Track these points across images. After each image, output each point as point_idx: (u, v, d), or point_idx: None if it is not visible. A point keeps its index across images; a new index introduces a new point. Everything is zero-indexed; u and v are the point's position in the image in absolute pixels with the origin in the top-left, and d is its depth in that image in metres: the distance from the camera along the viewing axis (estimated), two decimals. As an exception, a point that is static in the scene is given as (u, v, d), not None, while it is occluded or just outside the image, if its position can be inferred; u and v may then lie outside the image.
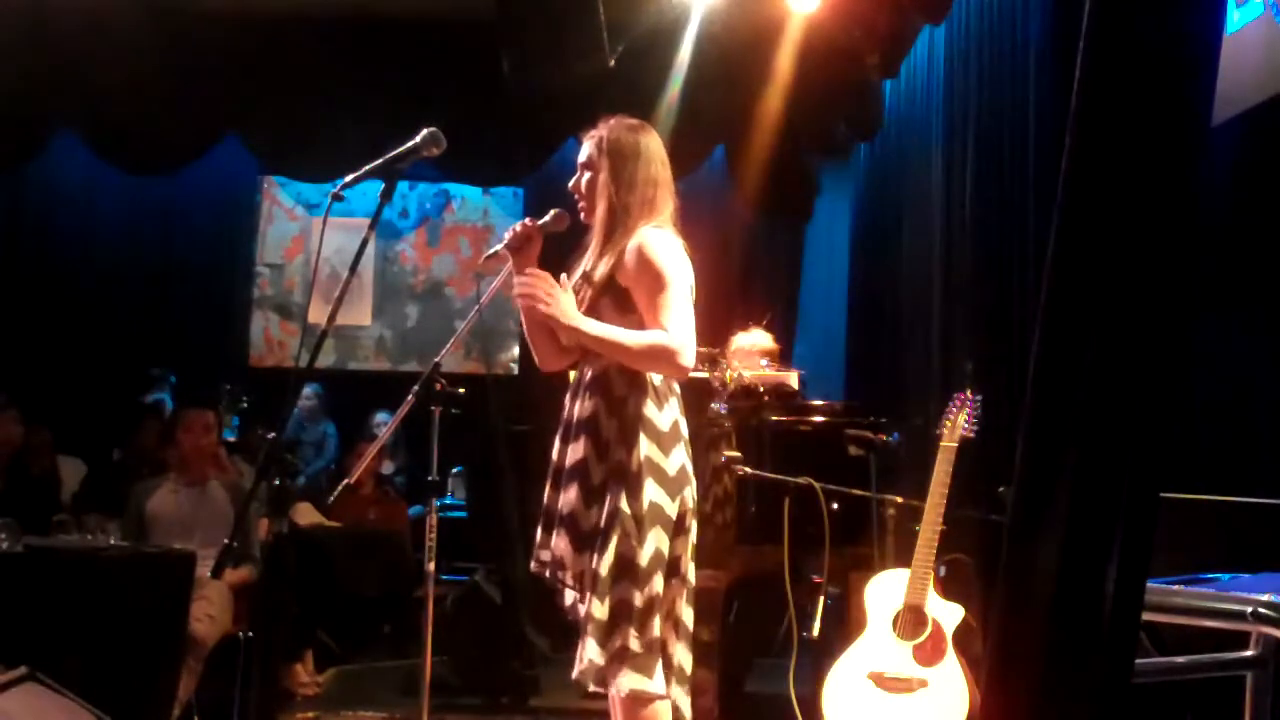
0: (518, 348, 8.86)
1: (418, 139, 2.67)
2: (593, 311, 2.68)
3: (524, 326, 2.89)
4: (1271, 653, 1.95)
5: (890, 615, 3.41)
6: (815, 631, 3.72)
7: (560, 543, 2.66)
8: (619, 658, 2.56)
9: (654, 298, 2.62)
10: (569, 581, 2.70)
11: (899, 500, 3.71)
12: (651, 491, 2.59)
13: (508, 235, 2.82)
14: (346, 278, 2.57)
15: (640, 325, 2.64)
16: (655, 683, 2.56)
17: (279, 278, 9.15)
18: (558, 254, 2.90)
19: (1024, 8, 4.94)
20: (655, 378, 2.67)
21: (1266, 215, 3.51)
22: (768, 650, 4.34)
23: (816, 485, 3.58)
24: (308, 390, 7.63)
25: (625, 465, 2.60)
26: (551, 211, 2.84)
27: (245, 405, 7.63)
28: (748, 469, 3.64)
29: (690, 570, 2.71)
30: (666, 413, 2.67)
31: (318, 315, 7.13)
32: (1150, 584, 1.42)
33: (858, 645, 3.43)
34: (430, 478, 3.04)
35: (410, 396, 2.94)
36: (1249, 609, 1.61)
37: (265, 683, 4.22)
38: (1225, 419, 3.67)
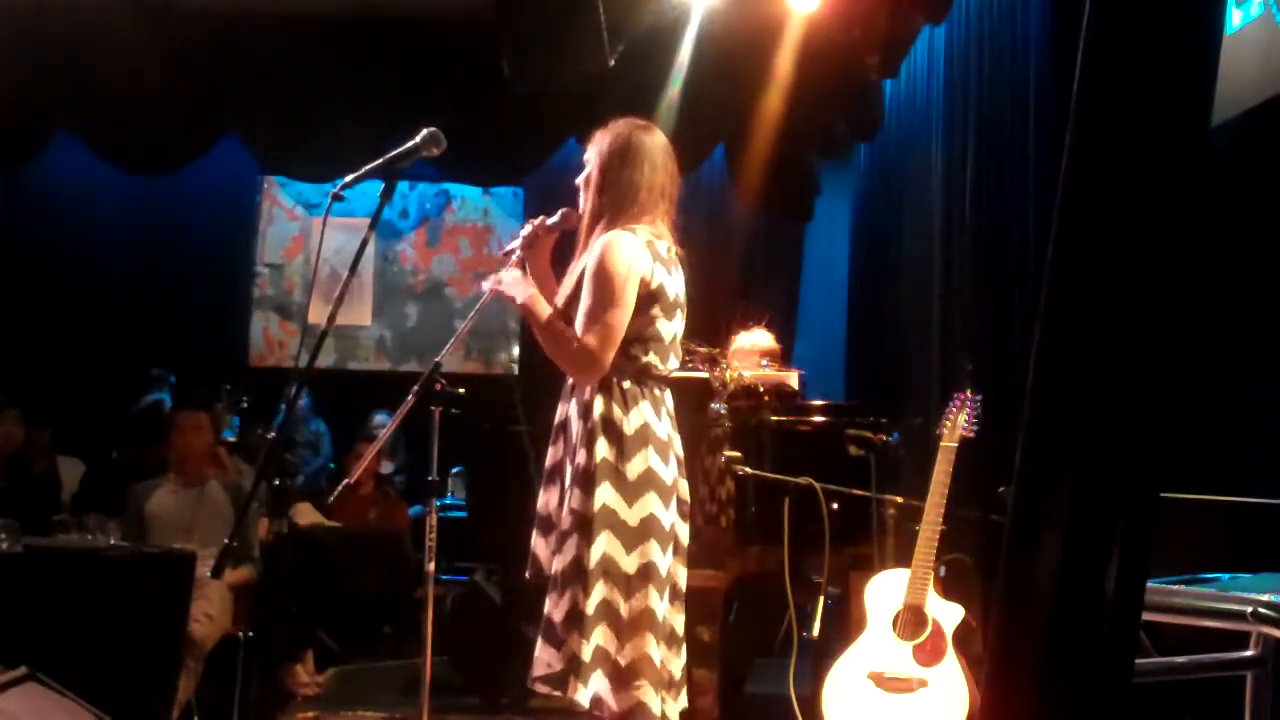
0: (518, 348, 8.87)
1: (418, 139, 2.67)
2: (569, 309, 2.75)
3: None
4: (1271, 653, 1.95)
5: (890, 615, 3.41)
6: (815, 631, 3.72)
7: (539, 543, 2.74)
8: (572, 664, 2.56)
9: (586, 301, 2.67)
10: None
11: (899, 500, 3.71)
12: (604, 494, 2.59)
13: (521, 236, 2.88)
14: (346, 278, 2.58)
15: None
16: (584, 694, 2.53)
17: (279, 278, 9.15)
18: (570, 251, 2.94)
19: (1024, 8, 4.94)
20: (624, 381, 2.69)
21: (1266, 215, 3.51)
22: (768, 650, 4.34)
23: (816, 485, 3.58)
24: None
25: (583, 466, 2.63)
26: (560, 211, 2.89)
27: (245, 405, 7.63)
28: (748, 469, 3.64)
29: (673, 575, 2.69)
30: (633, 417, 2.66)
31: (318, 315, 7.13)
32: (1150, 584, 1.42)
33: (858, 645, 3.43)
34: (430, 478, 3.04)
35: (410, 396, 2.95)
36: (1249, 609, 1.61)
37: (265, 683, 4.23)
38: (1225, 419, 3.67)
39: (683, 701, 2.73)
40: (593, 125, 2.87)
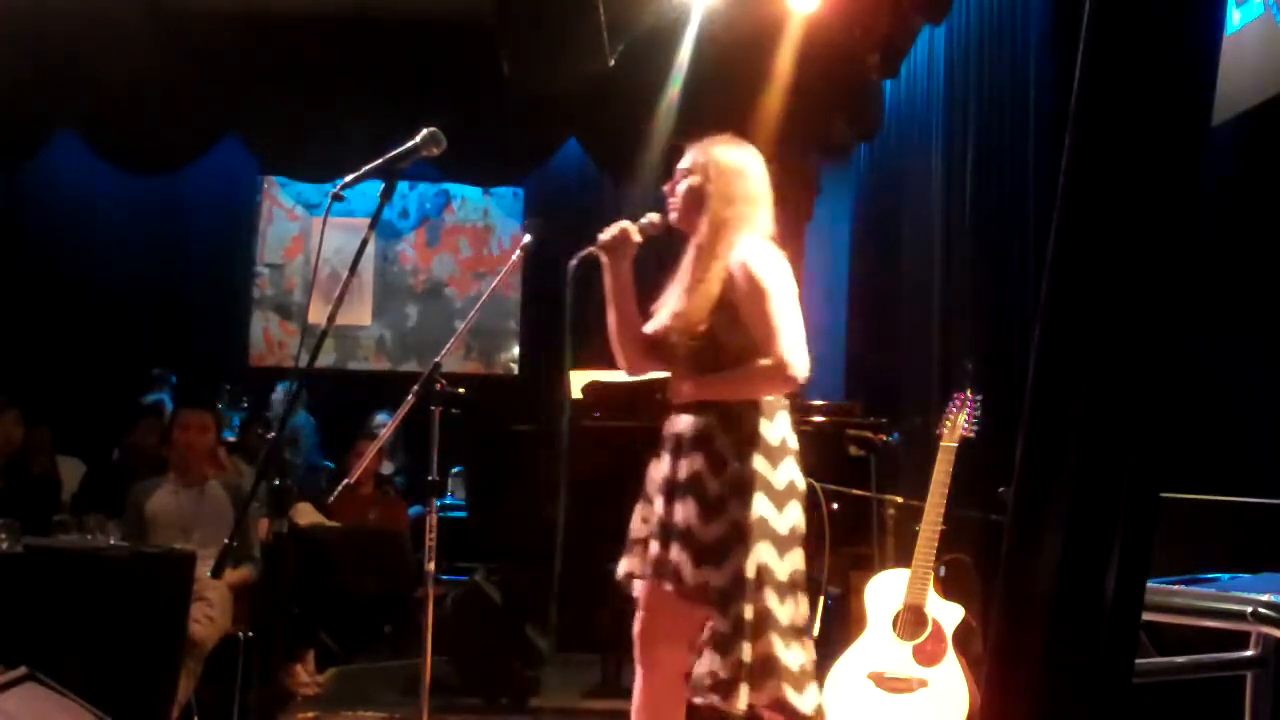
0: (518, 348, 8.86)
1: (418, 139, 2.67)
2: (709, 330, 2.68)
3: (611, 334, 2.90)
4: (1271, 653, 1.94)
5: (890, 615, 3.41)
6: (815, 631, 3.72)
7: (680, 556, 2.65)
8: (738, 672, 2.55)
9: (758, 314, 2.65)
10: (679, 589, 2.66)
11: (899, 500, 3.72)
12: (760, 505, 2.60)
13: (604, 235, 2.82)
14: (346, 278, 2.58)
15: (751, 341, 2.66)
16: (743, 699, 2.54)
17: (279, 278, 9.16)
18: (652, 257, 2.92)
19: (1024, 8, 4.94)
20: None
21: (1266, 215, 3.51)
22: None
23: (817, 485, 3.58)
24: (285, 388, 7.65)
25: (738, 478, 2.62)
26: (649, 215, 2.85)
27: (245, 405, 7.63)
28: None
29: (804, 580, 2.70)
30: (776, 426, 2.69)
31: (318, 315, 7.12)
32: (1150, 584, 1.42)
33: (858, 645, 3.43)
34: (430, 478, 3.04)
35: (410, 396, 2.95)
36: (1249, 609, 1.61)
37: (265, 683, 4.22)
38: (1225, 419, 3.67)
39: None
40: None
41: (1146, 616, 1.35)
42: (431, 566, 3.00)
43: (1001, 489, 3.84)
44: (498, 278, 3.79)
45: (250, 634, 4.18)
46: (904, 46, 6.19)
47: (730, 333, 2.68)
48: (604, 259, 2.83)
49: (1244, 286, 3.60)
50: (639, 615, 2.80)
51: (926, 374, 5.70)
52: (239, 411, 7.62)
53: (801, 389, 4.13)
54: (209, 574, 3.76)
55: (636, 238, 2.82)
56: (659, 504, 2.73)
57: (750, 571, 2.57)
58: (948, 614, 3.40)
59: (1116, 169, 1.25)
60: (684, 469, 2.69)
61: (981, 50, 5.33)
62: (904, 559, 3.52)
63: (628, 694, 2.88)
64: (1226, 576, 1.92)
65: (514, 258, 3.32)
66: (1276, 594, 1.62)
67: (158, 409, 7.25)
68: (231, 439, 6.80)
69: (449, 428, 3.01)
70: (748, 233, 2.74)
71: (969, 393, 3.61)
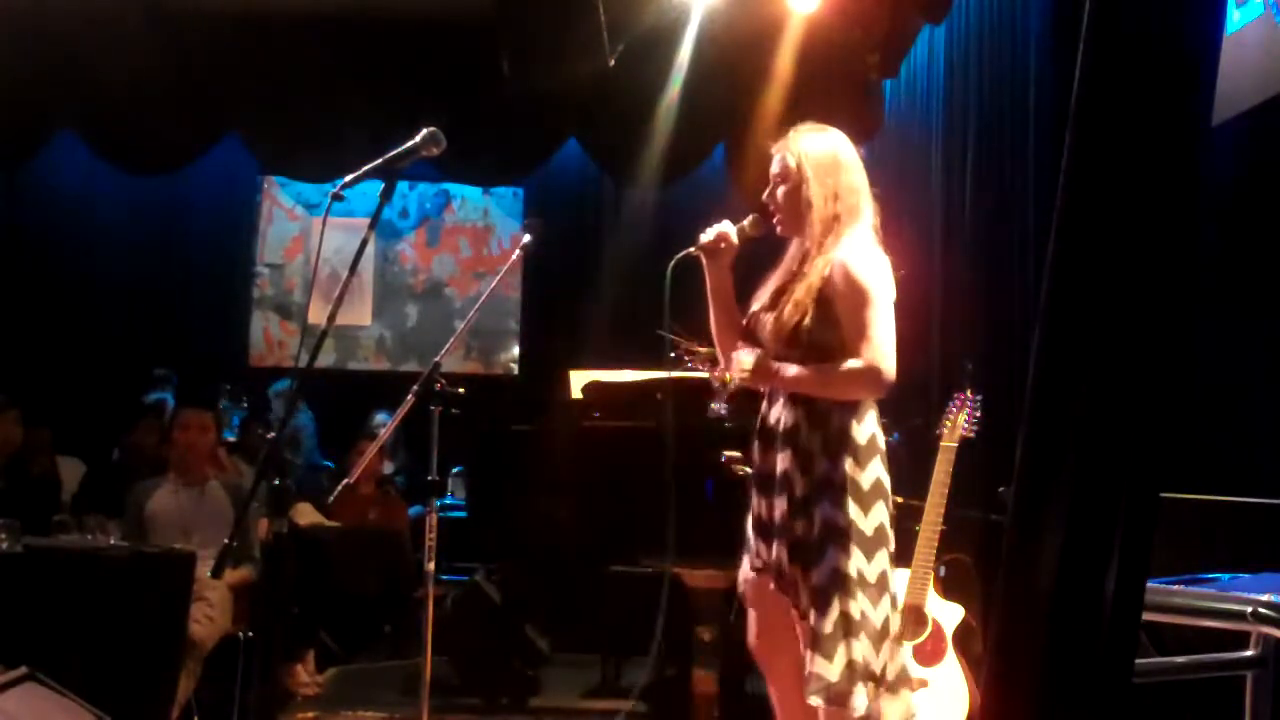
0: (517, 348, 8.86)
1: (417, 139, 2.67)
2: (803, 323, 2.65)
3: (713, 331, 2.90)
4: (1271, 653, 1.94)
5: (890, 615, 3.40)
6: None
7: (781, 551, 2.64)
8: (848, 673, 2.51)
9: (854, 316, 2.61)
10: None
11: (899, 500, 3.70)
12: (851, 506, 2.56)
13: (705, 237, 2.79)
14: (346, 278, 2.58)
15: (843, 340, 2.62)
16: (860, 702, 2.50)
17: (279, 278, 9.15)
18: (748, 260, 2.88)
19: (1024, 7, 4.95)
20: None
21: (1266, 215, 3.51)
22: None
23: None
24: (280, 387, 7.64)
25: (829, 479, 2.58)
26: (750, 216, 2.82)
27: (245, 405, 7.63)
28: (748, 469, 3.63)
29: (893, 582, 2.66)
30: (865, 426, 2.63)
31: (318, 315, 7.12)
32: (1150, 584, 1.42)
33: (858, 645, 3.42)
34: (430, 478, 3.04)
35: (410, 396, 2.95)
36: (1249, 609, 1.61)
37: (265, 683, 4.22)
38: (1225, 419, 3.67)
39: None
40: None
41: (1146, 616, 1.35)
42: (431, 566, 3.00)
43: (1001, 489, 3.84)
44: (498, 277, 3.81)
45: (250, 634, 4.18)
46: (904, 46, 6.19)
47: (822, 329, 2.64)
48: (703, 260, 2.81)
49: (1244, 286, 3.60)
50: (752, 619, 2.74)
51: (926, 374, 5.70)
52: (239, 411, 7.62)
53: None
54: (209, 574, 3.76)
55: (735, 240, 2.80)
56: (756, 498, 2.71)
57: (851, 571, 2.53)
58: (948, 614, 3.40)
59: (1116, 169, 1.25)
60: (776, 465, 2.67)
61: (981, 50, 5.33)
62: (904, 559, 3.52)
63: (627, 694, 2.88)
64: (1226, 576, 1.92)
65: (514, 257, 3.36)
66: (1276, 594, 1.62)
67: (159, 409, 7.25)
68: (231, 439, 6.79)
69: (449, 428, 3.01)
70: (855, 225, 2.71)
71: (969, 393, 3.61)
